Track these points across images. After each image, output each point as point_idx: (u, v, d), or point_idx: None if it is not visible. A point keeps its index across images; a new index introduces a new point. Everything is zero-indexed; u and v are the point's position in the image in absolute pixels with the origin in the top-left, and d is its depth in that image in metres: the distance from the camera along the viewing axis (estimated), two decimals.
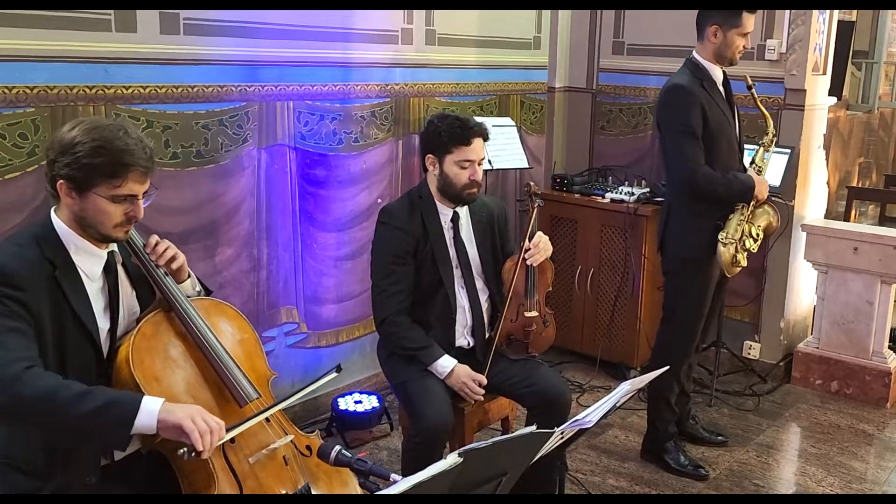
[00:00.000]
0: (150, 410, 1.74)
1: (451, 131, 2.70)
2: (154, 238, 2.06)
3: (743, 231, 3.24)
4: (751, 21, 3.19)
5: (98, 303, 1.94)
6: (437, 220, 2.81)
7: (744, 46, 3.21)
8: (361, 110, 3.72)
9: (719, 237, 3.20)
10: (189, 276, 2.16)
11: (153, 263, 2.04)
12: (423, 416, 2.61)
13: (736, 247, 3.21)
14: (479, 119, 2.81)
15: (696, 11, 3.28)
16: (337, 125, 3.61)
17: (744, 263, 3.27)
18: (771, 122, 3.37)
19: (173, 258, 2.07)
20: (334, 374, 2.02)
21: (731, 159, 3.26)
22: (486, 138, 2.76)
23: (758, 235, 3.29)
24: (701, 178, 3.14)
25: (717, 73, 3.25)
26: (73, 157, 1.81)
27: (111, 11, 2.77)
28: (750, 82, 3.31)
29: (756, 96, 3.31)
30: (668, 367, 2.43)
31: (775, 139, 3.40)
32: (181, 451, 1.76)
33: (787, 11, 4.08)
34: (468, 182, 2.73)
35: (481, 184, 2.80)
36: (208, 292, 2.27)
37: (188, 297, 2.10)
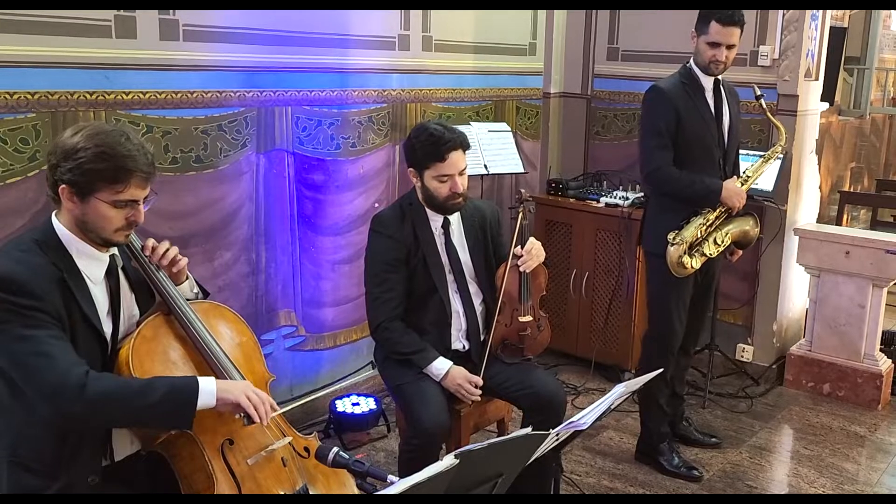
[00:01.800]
0: (209, 391, 1.87)
1: (424, 149, 2.68)
2: (151, 241, 2.07)
3: (700, 235, 3.24)
4: (720, 32, 3.12)
5: (101, 306, 1.96)
6: (428, 227, 2.81)
7: (717, 58, 3.15)
8: (359, 115, 3.74)
9: (668, 237, 3.21)
10: (187, 278, 2.18)
11: (152, 266, 2.06)
12: (420, 419, 2.63)
13: (686, 249, 3.21)
14: (463, 127, 2.78)
15: (690, 17, 3.30)
16: (334, 130, 3.64)
17: (695, 266, 3.24)
18: (783, 133, 3.39)
19: (174, 261, 2.09)
20: (371, 371, 2.12)
21: (707, 166, 3.27)
22: (465, 148, 2.72)
23: (723, 242, 3.30)
24: (661, 175, 3.22)
25: (706, 80, 3.26)
26: (75, 163, 1.83)
27: (111, 18, 2.79)
28: (758, 92, 3.33)
29: (765, 107, 3.34)
30: (661, 370, 2.46)
31: (784, 151, 3.39)
32: (239, 415, 1.93)
33: (780, 17, 4.11)
34: (449, 194, 2.72)
35: (466, 193, 2.77)
36: (206, 294, 2.29)
37: (187, 299, 2.12)
